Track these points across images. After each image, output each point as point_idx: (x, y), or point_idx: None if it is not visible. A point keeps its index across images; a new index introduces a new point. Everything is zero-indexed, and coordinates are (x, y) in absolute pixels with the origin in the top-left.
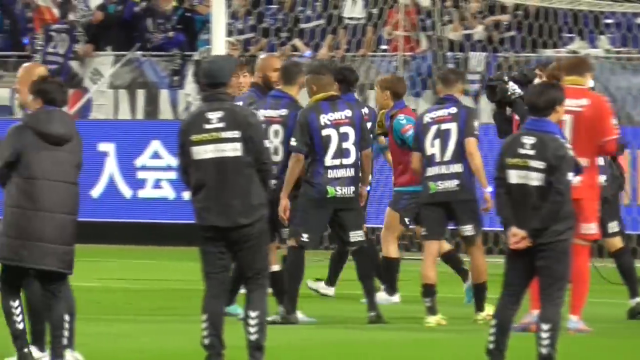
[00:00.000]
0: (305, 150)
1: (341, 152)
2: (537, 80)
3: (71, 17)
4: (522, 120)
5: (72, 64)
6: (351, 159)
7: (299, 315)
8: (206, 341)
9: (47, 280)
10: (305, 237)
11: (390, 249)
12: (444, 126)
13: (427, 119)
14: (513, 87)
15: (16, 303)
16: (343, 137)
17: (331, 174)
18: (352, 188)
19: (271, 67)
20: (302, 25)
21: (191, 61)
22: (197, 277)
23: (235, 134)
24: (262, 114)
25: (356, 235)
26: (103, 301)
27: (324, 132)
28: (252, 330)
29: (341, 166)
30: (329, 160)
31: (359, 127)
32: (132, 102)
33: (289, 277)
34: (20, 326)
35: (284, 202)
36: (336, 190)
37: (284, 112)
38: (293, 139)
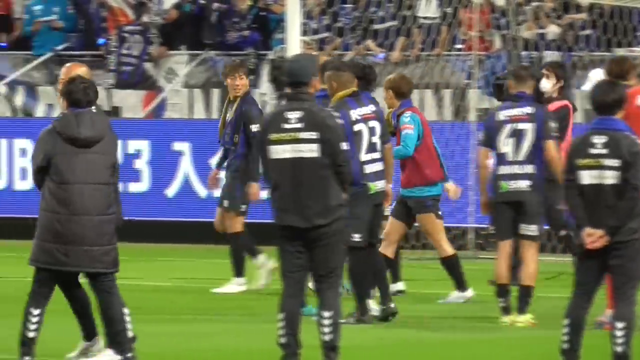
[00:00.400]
0: None
1: (372, 147)
2: (543, 80)
3: (145, 18)
4: None
5: (146, 65)
6: (380, 153)
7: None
8: (282, 340)
9: (95, 281)
10: (357, 237)
11: (388, 250)
12: (520, 126)
13: (501, 116)
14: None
15: (37, 311)
16: (372, 131)
17: (367, 169)
18: (383, 182)
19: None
20: (376, 26)
21: (266, 60)
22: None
23: (313, 135)
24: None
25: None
26: (178, 301)
27: (356, 128)
28: (325, 330)
29: (373, 160)
30: (363, 156)
31: (382, 121)
32: (207, 101)
33: (355, 280)
34: (31, 334)
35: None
36: (376, 185)
37: None
38: None
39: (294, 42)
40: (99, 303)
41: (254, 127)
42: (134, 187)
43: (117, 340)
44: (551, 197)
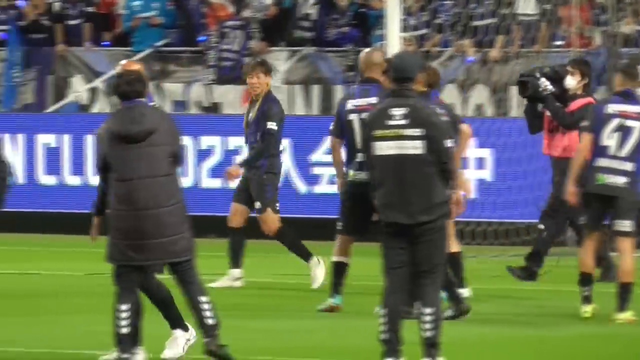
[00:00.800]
0: None
1: None
2: (568, 77)
3: (246, 13)
4: (553, 116)
5: (246, 61)
6: None
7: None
8: (383, 336)
9: (172, 271)
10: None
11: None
12: (628, 122)
13: (610, 109)
14: (545, 84)
15: (124, 307)
16: None
17: None
18: None
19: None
20: (475, 23)
21: None
22: (374, 272)
23: (417, 132)
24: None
25: None
26: (280, 297)
27: None
28: (427, 326)
29: None
30: None
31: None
32: (307, 97)
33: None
34: (123, 330)
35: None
36: None
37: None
38: None
39: (393, 39)
40: (181, 292)
41: (270, 124)
42: (235, 183)
43: (200, 327)
44: None
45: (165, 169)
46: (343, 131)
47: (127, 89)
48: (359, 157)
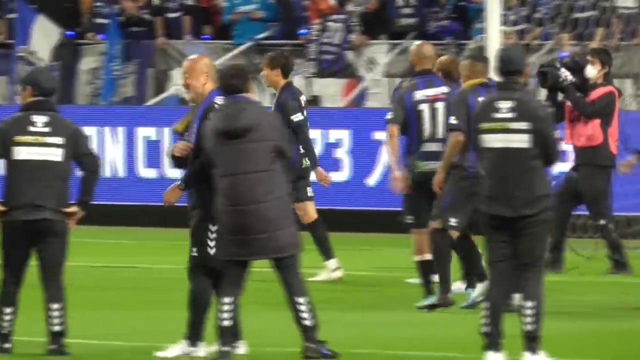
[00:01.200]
0: (466, 129)
1: None
2: (588, 67)
3: (347, 6)
4: (574, 106)
5: (346, 54)
6: None
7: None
8: (485, 329)
9: (276, 267)
10: (453, 221)
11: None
12: None
13: None
14: (565, 74)
15: (227, 299)
16: None
17: None
18: None
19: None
20: (576, 15)
21: (466, 50)
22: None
23: (524, 125)
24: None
25: None
26: (379, 290)
27: None
28: (528, 320)
29: None
30: None
31: None
32: None
33: (438, 260)
34: (225, 323)
35: (440, 176)
36: None
37: (445, 89)
38: (453, 118)
39: (493, 32)
40: (282, 289)
41: (295, 117)
42: (335, 177)
43: (298, 327)
44: None
45: (265, 165)
46: (406, 121)
47: (229, 83)
48: (426, 147)
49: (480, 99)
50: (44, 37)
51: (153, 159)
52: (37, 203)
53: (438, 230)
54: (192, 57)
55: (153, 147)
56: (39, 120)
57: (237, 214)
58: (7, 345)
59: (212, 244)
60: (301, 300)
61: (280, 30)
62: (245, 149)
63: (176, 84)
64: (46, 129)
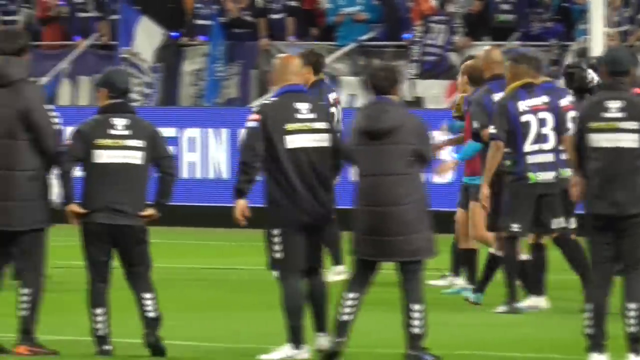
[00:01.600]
0: (505, 137)
1: (541, 138)
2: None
3: (450, 8)
4: None
5: (450, 55)
6: (550, 144)
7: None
8: (588, 331)
9: (401, 270)
10: (515, 227)
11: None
12: None
13: None
14: (591, 75)
15: (351, 295)
16: (541, 122)
17: (531, 159)
18: (553, 173)
19: (490, 59)
20: None
21: (569, 51)
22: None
23: (634, 125)
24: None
25: (559, 222)
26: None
27: (523, 119)
28: (631, 322)
29: (540, 151)
30: (529, 146)
31: (557, 112)
32: None
33: (507, 268)
34: (344, 317)
35: (486, 191)
36: (537, 175)
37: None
38: (492, 127)
39: (597, 34)
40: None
41: None
42: (437, 178)
43: (405, 332)
44: None
45: (404, 167)
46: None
47: (378, 84)
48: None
49: (521, 102)
50: (147, 38)
51: None
52: (117, 207)
53: (507, 238)
54: (282, 55)
55: None
56: (119, 123)
57: (375, 214)
58: (106, 347)
59: (276, 247)
60: (416, 307)
61: (383, 32)
62: (386, 151)
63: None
64: (126, 132)
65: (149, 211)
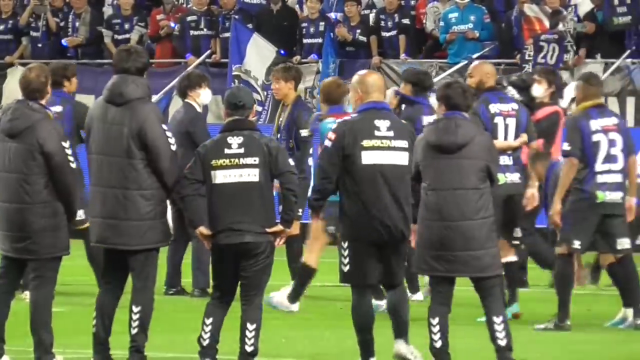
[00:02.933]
0: (579, 154)
1: (610, 158)
2: (535, 85)
3: (561, 27)
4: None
5: (562, 73)
6: (619, 165)
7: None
8: None
9: (476, 287)
10: (576, 244)
11: (312, 258)
12: None
13: None
14: (511, 92)
15: (434, 320)
16: (611, 143)
17: (600, 179)
18: (620, 194)
19: (484, 72)
20: None
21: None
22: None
23: None
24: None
25: (623, 243)
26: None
27: (595, 138)
28: None
29: (609, 171)
30: (599, 166)
31: (625, 133)
32: (622, 109)
33: (560, 285)
34: (436, 345)
35: (558, 207)
36: (605, 195)
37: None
38: (566, 144)
39: None
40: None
41: (303, 132)
42: None
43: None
44: None
45: (474, 183)
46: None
47: (453, 101)
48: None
49: (593, 121)
50: (258, 56)
51: None
52: (237, 227)
53: (563, 255)
54: (363, 72)
55: None
56: (234, 142)
57: (443, 229)
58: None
59: (345, 261)
60: (497, 320)
61: (495, 50)
62: (457, 165)
63: (391, 103)
64: (241, 150)
65: (277, 227)
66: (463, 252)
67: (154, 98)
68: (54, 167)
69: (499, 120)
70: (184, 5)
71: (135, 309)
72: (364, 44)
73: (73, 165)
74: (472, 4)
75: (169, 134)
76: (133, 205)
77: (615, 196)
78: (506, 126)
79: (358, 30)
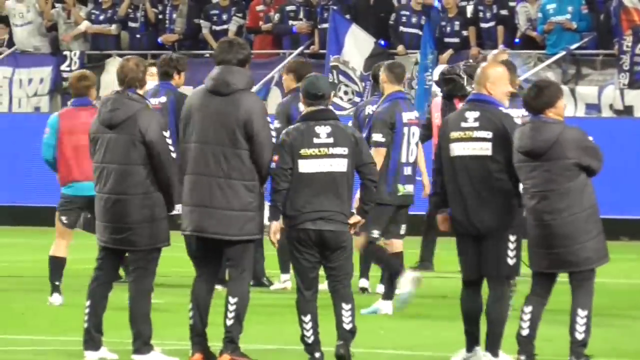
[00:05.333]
0: None
1: None
2: None
3: None
4: None
5: None
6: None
7: None
8: None
9: (570, 279)
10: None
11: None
12: None
13: None
14: (435, 88)
15: (527, 309)
16: None
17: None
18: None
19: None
20: None
21: None
22: None
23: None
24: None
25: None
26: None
27: None
28: None
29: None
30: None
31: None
32: None
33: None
34: (523, 332)
35: None
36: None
37: None
38: None
39: None
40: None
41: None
42: None
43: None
44: None
45: (563, 182)
46: None
47: (536, 101)
48: None
49: None
50: (357, 47)
51: None
52: (324, 216)
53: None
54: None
55: None
56: (323, 131)
57: (541, 227)
58: (317, 355)
59: (511, 254)
60: (582, 313)
61: (593, 41)
62: (545, 167)
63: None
64: (330, 140)
65: (355, 218)
66: (560, 250)
67: (253, 89)
68: (155, 156)
69: None
70: None
71: (231, 300)
72: (462, 35)
73: (173, 155)
74: None
75: (271, 126)
76: (235, 195)
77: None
78: None
79: (457, 22)
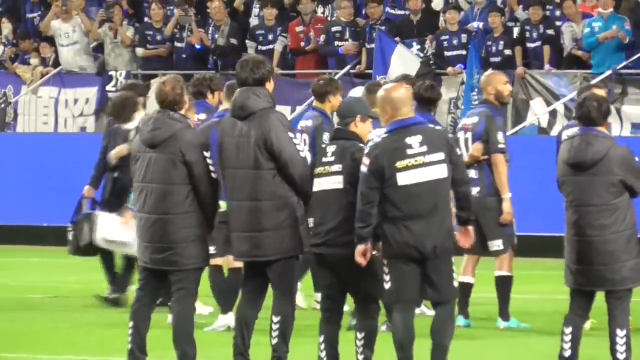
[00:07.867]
0: None
1: None
2: None
3: None
4: None
5: None
6: None
7: None
8: None
9: (607, 297)
10: None
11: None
12: None
13: None
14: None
15: (567, 329)
16: None
17: None
18: None
19: (501, 81)
20: None
21: None
22: None
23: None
24: None
25: None
26: None
27: None
28: None
29: None
30: None
31: None
32: None
33: None
34: (565, 354)
35: None
36: None
37: None
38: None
39: None
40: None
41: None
42: None
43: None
44: None
45: (606, 199)
46: None
47: (586, 115)
48: None
49: None
50: (403, 66)
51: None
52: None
53: None
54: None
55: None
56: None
57: (580, 244)
58: None
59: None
60: (620, 332)
61: (639, 60)
62: (590, 182)
63: (536, 114)
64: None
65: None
66: (600, 267)
67: (299, 109)
68: (195, 176)
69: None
70: (324, 15)
71: (275, 319)
72: (507, 55)
73: (214, 176)
74: (615, 13)
75: (296, 141)
76: (267, 216)
77: None
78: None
79: (501, 42)
